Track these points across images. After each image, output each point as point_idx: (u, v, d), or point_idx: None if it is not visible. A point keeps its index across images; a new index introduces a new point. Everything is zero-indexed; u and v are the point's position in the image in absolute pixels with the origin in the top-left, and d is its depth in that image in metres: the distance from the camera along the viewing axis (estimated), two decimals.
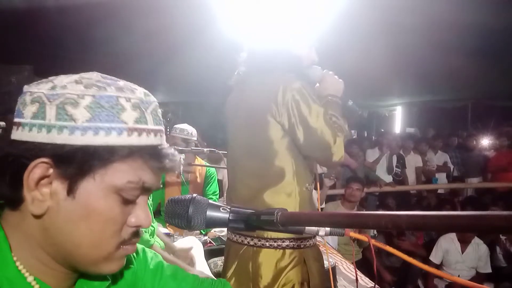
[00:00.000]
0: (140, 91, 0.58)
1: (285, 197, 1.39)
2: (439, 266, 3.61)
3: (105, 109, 0.53)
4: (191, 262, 2.14)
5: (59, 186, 0.53)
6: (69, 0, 2.97)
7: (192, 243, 2.45)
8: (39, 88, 0.54)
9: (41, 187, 0.53)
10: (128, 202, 0.56)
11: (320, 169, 3.97)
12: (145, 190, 0.59)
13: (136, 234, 0.60)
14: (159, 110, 0.61)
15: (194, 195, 0.61)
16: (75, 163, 0.52)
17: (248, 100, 1.46)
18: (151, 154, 0.57)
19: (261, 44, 1.48)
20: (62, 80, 0.55)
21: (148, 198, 0.63)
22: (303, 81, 1.39)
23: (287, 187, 1.40)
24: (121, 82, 0.58)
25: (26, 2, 2.97)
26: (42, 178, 0.52)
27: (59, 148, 0.52)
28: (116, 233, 0.56)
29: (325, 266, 1.57)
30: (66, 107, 0.52)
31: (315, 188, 1.61)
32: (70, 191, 0.53)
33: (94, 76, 0.57)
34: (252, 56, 1.49)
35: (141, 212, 0.58)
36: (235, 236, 1.47)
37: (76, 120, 0.52)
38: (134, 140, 0.55)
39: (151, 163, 0.57)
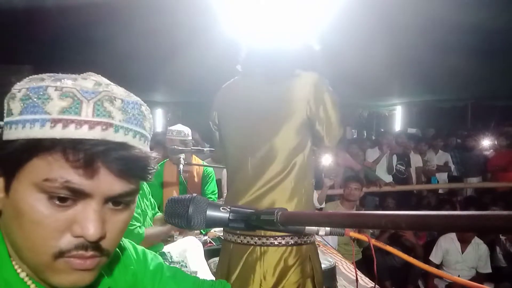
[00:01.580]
0: (89, 80, 0.52)
1: (291, 196, 1.39)
2: (439, 266, 3.61)
3: (32, 100, 0.49)
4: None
5: (2, 184, 0.52)
6: (69, 0, 2.97)
7: (192, 244, 2.45)
8: None
9: None
10: (62, 206, 0.50)
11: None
12: (78, 192, 0.49)
13: (81, 246, 0.51)
14: (117, 102, 0.52)
15: (194, 194, 0.61)
16: (6, 159, 0.50)
17: (258, 99, 1.44)
18: (75, 149, 0.48)
19: (269, 43, 1.46)
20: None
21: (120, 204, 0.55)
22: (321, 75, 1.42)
23: (297, 184, 1.40)
24: (80, 74, 0.54)
25: (26, 2, 2.97)
26: None
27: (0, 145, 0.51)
28: (48, 240, 0.50)
29: (323, 266, 1.58)
30: (9, 102, 0.51)
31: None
32: (6, 189, 0.51)
33: (67, 74, 0.54)
34: (257, 55, 1.47)
35: (86, 221, 0.50)
36: (238, 237, 1.44)
37: (13, 115, 0.50)
38: (58, 132, 0.48)
39: (72, 159, 0.48)
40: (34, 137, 0.48)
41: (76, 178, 0.49)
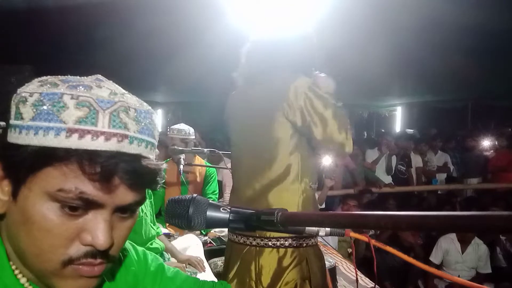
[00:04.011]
0: (104, 90, 0.52)
1: (289, 195, 1.40)
2: (439, 267, 3.61)
3: (46, 107, 0.48)
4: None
5: (8, 188, 0.51)
6: (69, 0, 2.97)
7: (191, 242, 2.45)
8: None
9: (3, 186, 0.51)
10: (73, 214, 0.49)
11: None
12: (91, 203, 0.49)
13: (90, 254, 0.51)
14: (131, 112, 0.52)
15: (194, 195, 0.61)
16: (16, 164, 0.49)
17: (254, 100, 1.47)
18: (91, 161, 0.48)
19: (267, 44, 1.48)
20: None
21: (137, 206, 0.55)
22: (309, 78, 1.41)
23: (291, 186, 1.41)
24: (93, 81, 0.53)
25: (26, 2, 2.97)
26: (1, 177, 0.51)
27: (5, 147, 0.50)
28: (57, 248, 0.49)
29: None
30: (19, 105, 0.50)
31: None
32: (14, 193, 0.50)
33: (77, 77, 0.53)
34: (257, 55, 1.49)
35: (96, 231, 0.50)
36: (236, 237, 1.48)
37: (24, 119, 0.49)
38: (73, 142, 0.47)
39: (89, 172, 0.48)
40: (48, 145, 0.47)
41: (92, 190, 0.48)
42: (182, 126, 3.03)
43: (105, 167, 0.48)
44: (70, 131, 0.47)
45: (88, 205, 0.49)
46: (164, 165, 0.57)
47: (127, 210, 0.54)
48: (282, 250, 1.39)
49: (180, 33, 3.55)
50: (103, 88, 0.52)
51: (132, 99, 0.54)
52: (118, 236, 0.54)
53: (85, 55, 4.20)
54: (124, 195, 0.51)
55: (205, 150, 2.55)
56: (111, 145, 0.49)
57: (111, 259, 0.54)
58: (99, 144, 0.48)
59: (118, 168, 0.49)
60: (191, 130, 3.02)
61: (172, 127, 3.06)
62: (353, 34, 3.55)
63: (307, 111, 1.35)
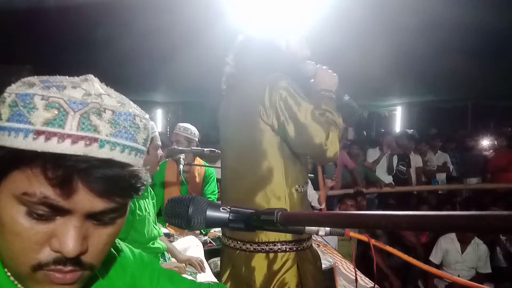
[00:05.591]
0: (79, 90, 0.50)
1: (274, 199, 1.38)
2: (439, 266, 3.61)
3: (18, 108, 0.47)
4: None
5: None
6: (69, 0, 2.97)
7: (192, 243, 2.45)
8: None
9: None
10: (42, 219, 0.48)
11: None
12: (56, 208, 0.47)
13: (59, 261, 0.49)
14: (106, 114, 0.49)
15: (194, 195, 0.61)
16: None
17: (237, 102, 1.46)
18: (55, 165, 0.46)
19: (251, 45, 1.47)
20: None
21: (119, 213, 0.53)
22: (289, 79, 1.37)
23: (276, 189, 1.38)
24: (73, 81, 0.52)
25: (26, 2, 2.97)
26: None
27: None
28: (27, 252, 0.49)
29: (323, 266, 1.57)
30: (0, 105, 0.50)
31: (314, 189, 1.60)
32: None
33: (61, 77, 0.52)
34: (242, 57, 1.48)
35: (65, 237, 0.48)
36: (228, 240, 1.47)
37: (2, 120, 0.48)
38: (39, 145, 0.46)
39: (50, 176, 0.46)
40: (17, 147, 0.46)
41: (53, 195, 0.47)
42: (188, 125, 3.09)
43: (65, 172, 0.46)
44: (37, 133, 0.46)
45: (54, 210, 0.48)
46: (144, 172, 0.54)
47: (102, 218, 0.51)
48: (271, 255, 1.38)
49: (180, 33, 3.55)
50: (77, 89, 0.50)
51: (111, 101, 0.51)
52: (95, 243, 0.52)
53: (85, 55, 4.21)
54: (92, 202, 0.49)
55: (205, 150, 2.55)
56: (78, 149, 0.47)
57: (87, 267, 0.52)
58: (64, 147, 0.46)
59: (82, 171, 0.47)
60: (196, 131, 3.08)
61: (179, 124, 3.11)
62: (353, 34, 3.55)
63: (281, 111, 1.32)
